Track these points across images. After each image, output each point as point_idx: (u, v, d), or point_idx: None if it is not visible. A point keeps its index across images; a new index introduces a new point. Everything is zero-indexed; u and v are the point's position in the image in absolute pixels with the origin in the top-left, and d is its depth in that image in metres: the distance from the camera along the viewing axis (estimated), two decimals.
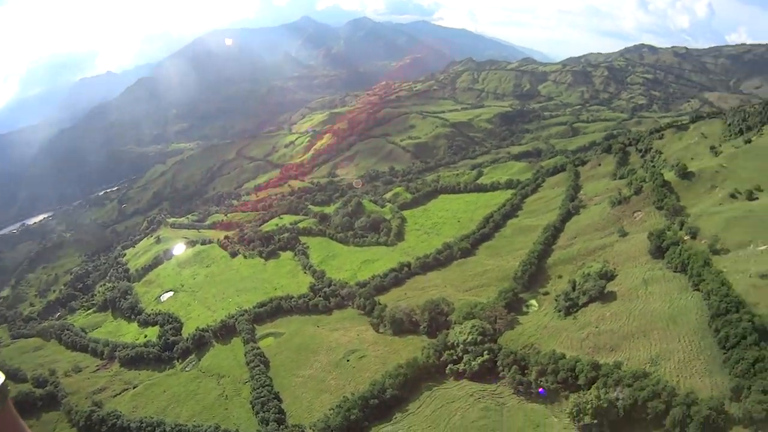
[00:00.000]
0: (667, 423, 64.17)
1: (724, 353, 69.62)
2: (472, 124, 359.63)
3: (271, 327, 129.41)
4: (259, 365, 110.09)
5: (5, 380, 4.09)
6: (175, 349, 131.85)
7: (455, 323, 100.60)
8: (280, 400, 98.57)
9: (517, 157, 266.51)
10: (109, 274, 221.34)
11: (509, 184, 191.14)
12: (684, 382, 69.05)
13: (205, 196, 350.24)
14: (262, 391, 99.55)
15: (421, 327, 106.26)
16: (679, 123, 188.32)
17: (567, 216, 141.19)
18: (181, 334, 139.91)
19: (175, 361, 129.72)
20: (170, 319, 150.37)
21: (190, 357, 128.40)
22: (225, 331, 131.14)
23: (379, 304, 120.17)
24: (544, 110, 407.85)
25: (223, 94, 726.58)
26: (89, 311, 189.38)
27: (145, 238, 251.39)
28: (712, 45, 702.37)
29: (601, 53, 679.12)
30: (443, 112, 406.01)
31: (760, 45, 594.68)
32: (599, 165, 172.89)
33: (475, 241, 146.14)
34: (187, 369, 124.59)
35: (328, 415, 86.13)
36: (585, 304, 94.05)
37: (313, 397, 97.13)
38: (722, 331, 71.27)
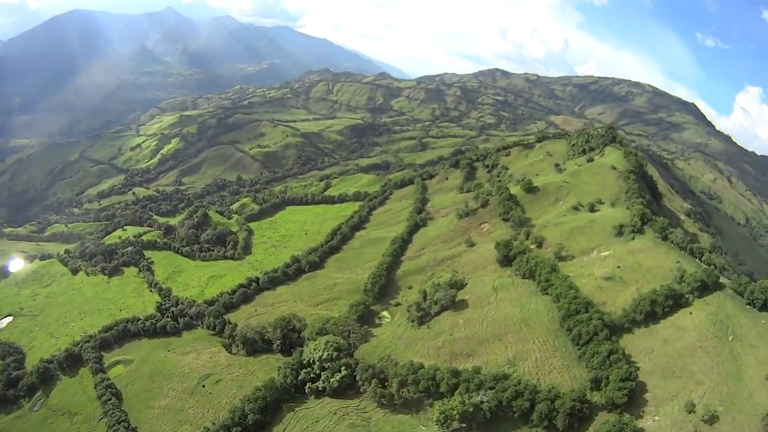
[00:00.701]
0: (535, 418, 71.40)
1: (579, 349, 78.95)
2: (323, 135, 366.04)
3: (119, 353, 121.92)
4: (111, 398, 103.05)
5: None
6: (19, 385, 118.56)
7: (309, 340, 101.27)
8: None
9: (366, 170, 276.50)
10: None
11: (357, 197, 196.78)
12: (544, 378, 76.84)
13: (45, 202, 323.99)
14: (118, 429, 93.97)
15: (275, 345, 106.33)
16: (526, 141, 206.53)
17: (415, 228, 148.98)
18: (24, 367, 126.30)
19: (22, 399, 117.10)
20: (11, 350, 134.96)
21: (37, 394, 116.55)
22: (71, 361, 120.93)
23: (230, 323, 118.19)
24: (395, 124, 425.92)
25: (72, 86, 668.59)
26: None
27: None
28: (563, 75, 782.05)
29: (456, 74, 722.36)
30: (295, 121, 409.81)
31: (606, 78, 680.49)
32: (447, 179, 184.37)
33: (323, 254, 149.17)
34: (35, 408, 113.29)
35: None
36: (437, 313, 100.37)
37: (173, 429, 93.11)
38: (575, 330, 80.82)
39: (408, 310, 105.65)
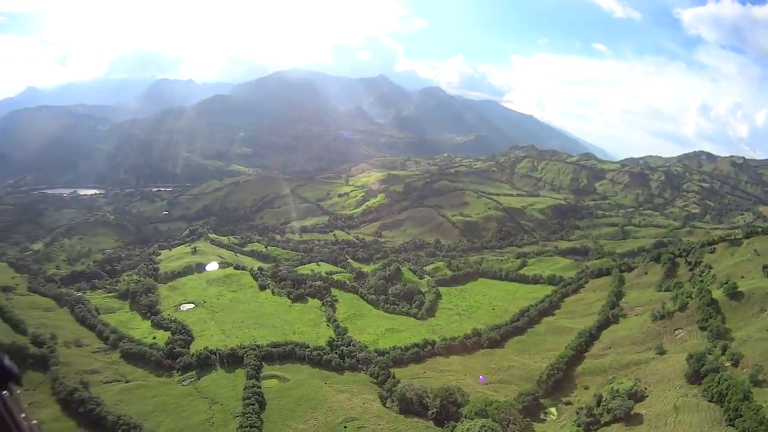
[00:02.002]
0: None
1: None
2: (525, 212, 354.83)
3: (278, 369, 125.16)
4: (254, 404, 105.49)
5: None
6: (178, 360, 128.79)
7: (466, 417, 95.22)
8: None
9: (564, 253, 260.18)
10: (138, 267, 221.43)
11: (551, 280, 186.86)
12: None
13: (251, 222, 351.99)
14: (249, 431, 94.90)
15: (430, 412, 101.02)
16: (732, 237, 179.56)
17: (605, 323, 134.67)
18: (188, 348, 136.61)
19: (175, 371, 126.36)
20: (183, 330, 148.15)
21: (190, 373, 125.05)
22: (232, 360, 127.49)
23: (394, 377, 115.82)
24: (597, 208, 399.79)
25: (291, 131, 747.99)
26: (109, 294, 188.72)
27: (183, 246, 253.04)
28: None
29: (660, 156, 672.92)
30: (498, 194, 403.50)
31: None
32: (645, 273, 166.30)
33: (506, 333, 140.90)
34: (184, 383, 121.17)
35: None
36: (608, 423, 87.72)
37: None
38: None
39: (577, 413, 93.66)
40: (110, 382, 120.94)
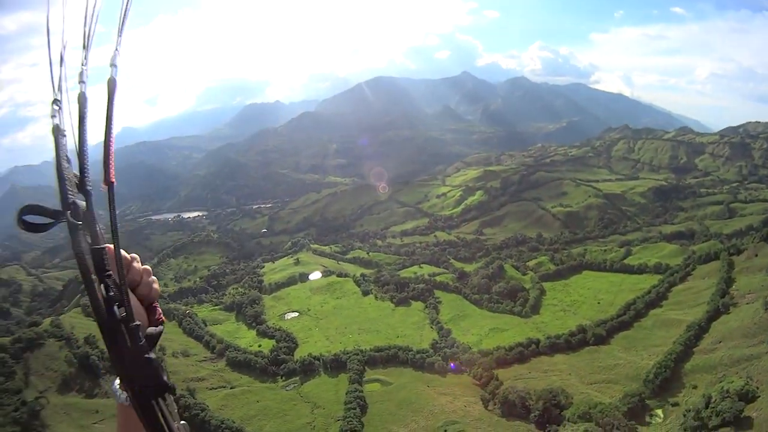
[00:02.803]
0: None
1: None
2: (625, 197, 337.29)
3: (381, 373, 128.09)
4: (356, 408, 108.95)
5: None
6: (282, 366, 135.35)
7: (569, 420, 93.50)
8: None
9: (669, 238, 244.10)
10: (243, 281, 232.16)
11: (657, 268, 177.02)
12: None
13: (352, 230, 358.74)
14: None
15: (532, 415, 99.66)
16: None
17: (715, 314, 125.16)
18: (292, 355, 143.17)
19: (279, 377, 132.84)
20: (287, 338, 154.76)
21: (293, 378, 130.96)
22: (335, 365, 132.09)
23: (497, 379, 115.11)
24: (700, 186, 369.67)
25: (382, 138, 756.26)
26: (215, 307, 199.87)
27: (286, 257, 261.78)
28: None
29: (760, 122, 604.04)
30: (597, 181, 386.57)
31: None
32: (756, 255, 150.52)
33: (611, 328, 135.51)
34: (287, 388, 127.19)
35: None
36: (715, 428, 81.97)
37: None
38: None
39: (684, 415, 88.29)
40: (215, 389, 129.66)
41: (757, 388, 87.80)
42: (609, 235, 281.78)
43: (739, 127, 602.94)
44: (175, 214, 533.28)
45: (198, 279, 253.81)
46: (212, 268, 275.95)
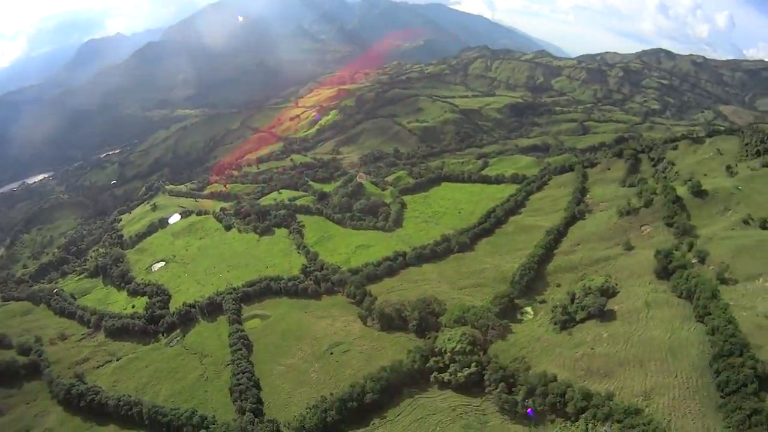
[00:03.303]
0: None
1: (722, 398, 65.88)
2: (482, 113, 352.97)
3: (258, 308, 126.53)
4: (241, 348, 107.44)
5: None
6: (161, 322, 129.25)
7: (445, 326, 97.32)
8: (258, 389, 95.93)
9: (525, 151, 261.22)
10: (103, 239, 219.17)
11: (515, 179, 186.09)
12: (676, 422, 65.18)
13: (207, 164, 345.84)
14: (241, 378, 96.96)
15: (410, 325, 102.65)
16: (695, 135, 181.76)
17: (572, 220, 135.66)
18: (168, 308, 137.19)
19: (160, 335, 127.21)
20: (159, 291, 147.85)
21: (175, 332, 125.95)
22: (212, 309, 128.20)
23: (370, 295, 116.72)
24: (555, 105, 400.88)
25: (232, 64, 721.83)
26: (80, 276, 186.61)
27: (142, 205, 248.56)
28: (731, 58, 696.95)
29: (617, 53, 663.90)
30: (453, 97, 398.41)
31: None
32: (608, 169, 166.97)
33: (474, 235, 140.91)
34: (171, 345, 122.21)
35: (304, 414, 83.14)
36: (582, 321, 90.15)
37: (292, 389, 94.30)
38: (722, 375, 67.37)
39: (552, 311, 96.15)
40: (102, 365, 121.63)
41: (616, 284, 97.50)
42: (466, 148, 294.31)
43: (597, 55, 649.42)
44: (20, 182, 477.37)
45: (56, 250, 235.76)
46: (69, 234, 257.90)
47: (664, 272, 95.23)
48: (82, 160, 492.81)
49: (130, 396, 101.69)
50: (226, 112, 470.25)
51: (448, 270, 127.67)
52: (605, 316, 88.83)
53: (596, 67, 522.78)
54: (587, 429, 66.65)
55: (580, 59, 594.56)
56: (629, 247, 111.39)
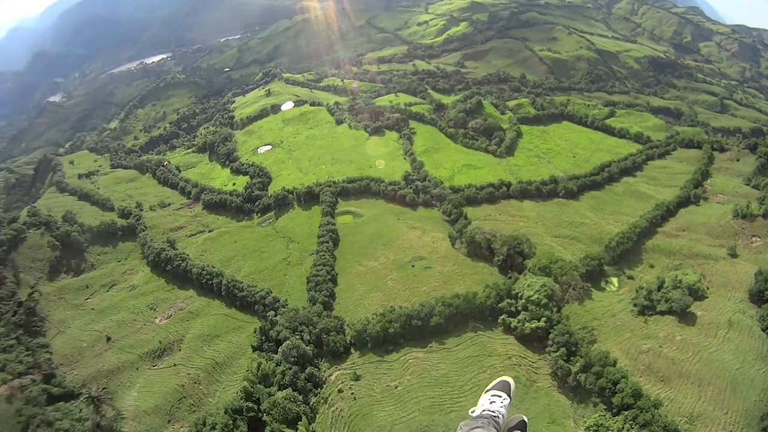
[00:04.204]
0: None
1: None
2: (619, 58, 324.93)
3: (354, 205, 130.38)
4: (328, 241, 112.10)
5: None
6: (257, 203, 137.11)
7: (529, 270, 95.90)
8: (335, 283, 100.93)
9: (655, 111, 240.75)
10: (214, 119, 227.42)
11: (638, 138, 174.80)
12: None
13: (326, 57, 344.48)
14: (321, 270, 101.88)
15: (496, 259, 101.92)
16: None
17: (685, 201, 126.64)
18: (267, 190, 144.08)
19: (255, 214, 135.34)
20: (261, 173, 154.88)
21: (269, 214, 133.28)
22: (309, 197, 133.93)
23: (465, 217, 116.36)
24: (698, 71, 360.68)
25: None
26: (188, 151, 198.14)
27: (257, 90, 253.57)
28: None
29: None
30: (592, 34, 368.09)
31: None
32: (737, 160, 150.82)
33: (583, 185, 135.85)
34: (263, 225, 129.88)
35: (369, 320, 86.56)
36: (661, 313, 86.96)
37: (365, 291, 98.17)
38: None
39: (637, 291, 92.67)
40: (194, 234, 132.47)
41: (708, 288, 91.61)
42: (595, 91, 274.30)
43: (754, 29, 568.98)
44: (138, 62, 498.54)
45: (168, 125, 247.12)
46: (181, 111, 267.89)
47: (758, 296, 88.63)
48: (201, 43, 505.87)
49: (213, 267, 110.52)
50: (351, 9, 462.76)
51: (548, 213, 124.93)
52: (686, 317, 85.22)
53: (751, 42, 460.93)
54: (623, 428, 66.30)
55: (735, 28, 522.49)
56: (734, 254, 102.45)
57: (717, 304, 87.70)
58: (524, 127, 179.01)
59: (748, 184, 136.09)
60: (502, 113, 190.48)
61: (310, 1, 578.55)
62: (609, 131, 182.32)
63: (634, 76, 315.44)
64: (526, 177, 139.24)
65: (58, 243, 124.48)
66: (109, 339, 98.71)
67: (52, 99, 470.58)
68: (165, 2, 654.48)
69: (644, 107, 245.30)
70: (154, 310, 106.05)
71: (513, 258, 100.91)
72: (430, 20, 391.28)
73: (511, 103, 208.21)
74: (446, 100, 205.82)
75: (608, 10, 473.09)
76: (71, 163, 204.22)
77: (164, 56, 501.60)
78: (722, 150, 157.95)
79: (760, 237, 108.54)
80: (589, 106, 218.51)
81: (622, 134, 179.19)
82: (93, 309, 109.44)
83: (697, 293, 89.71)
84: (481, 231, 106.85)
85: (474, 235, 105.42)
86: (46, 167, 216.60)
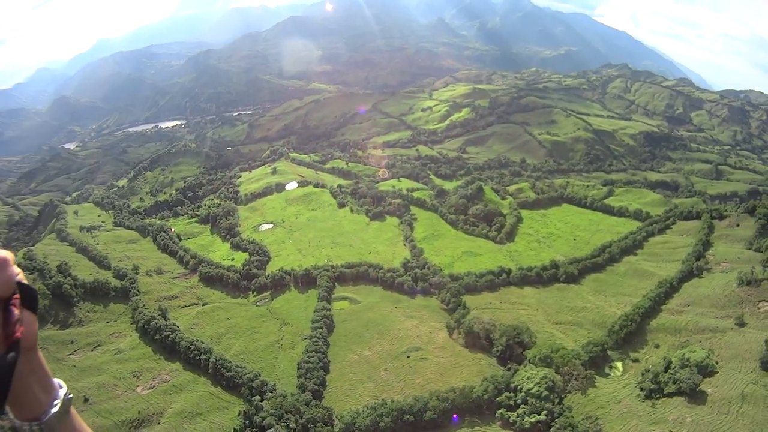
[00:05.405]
0: None
1: None
2: (615, 136, 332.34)
3: (351, 291, 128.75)
4: (323, 327, 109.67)
5: (68, 391, 4.65)
6: (254, 281, 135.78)
7: (529, 361, 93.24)
8: (326, 371, 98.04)
9: (653, 186, 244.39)
10: (219, 191, 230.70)
11: (637, 215, 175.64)
12: None
13: (333, 139, 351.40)
14: (313, 356, 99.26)
15: (495, 349, 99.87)
16: None
17: (688, 275, 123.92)
18: (265, 269, 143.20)
19: (251, 292, 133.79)
20: (260, 251, 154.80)
21: (264, 293, 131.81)
22: (306, 280, 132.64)
23: (464, 306, 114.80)
24: (691, 141, 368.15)
25: (370, 46, 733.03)
26: (191, 220, 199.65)
27: (263, 167, 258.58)
28: None
29: (763, 93, 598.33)
30: (588, 115, 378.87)
31: None
32: (737, 225, 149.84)
33: (584, 268, 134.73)
34: (258, 304, 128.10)
35: (359, 412, 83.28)
36: (670, 395, 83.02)
37: (358, 381, 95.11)
38: None
39: (643, 374, 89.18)
40: (188, 306, 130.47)
41: (717, 363, 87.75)
42: (593, 171, 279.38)
43: (741, 92, 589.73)
44: (153, 125, 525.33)
45: (174, 191, 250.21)
46: (189, 179, 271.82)
47: None
48: (215, 115, 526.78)
49: (203, 342, 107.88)
50: (360, 93, 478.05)
51: (548, 299, 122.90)
52: (695, 397, 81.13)
53: (739, 105, 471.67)
54: None
55: (723, 94, 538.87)
56: (741, 323, 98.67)
57: (728, 378, 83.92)
58: (524, 212, 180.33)
59: (750, 248, 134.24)
60: (503, 198, 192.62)
61: (321, 83, 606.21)
62: (608, 211, 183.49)
63: (630, 152, 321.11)
64: (526, 262, 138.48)
65: (48, 292, 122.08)
66: (86, 400, 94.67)
67: (67, 146, 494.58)
68: (185, 71, 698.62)
69: (642, 183, 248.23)
70: (138, 378, 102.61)
71: (512, 348, 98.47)
72: (434, 106, 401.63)
73: (512, 188, 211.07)
74: (448, 185, 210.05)
75: (603, 90, 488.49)
76: (75, 213, 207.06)
77: (179, 122, 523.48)
78: (721, 217, 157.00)
79: (767, 301, 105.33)
80: (587, 186, 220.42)
81: (621, 213, 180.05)
82: (75, 366, 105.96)
83: (706, 370, 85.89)
84: (480, 321, 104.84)
85: (472, 325, 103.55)
86: (50, 212, 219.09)
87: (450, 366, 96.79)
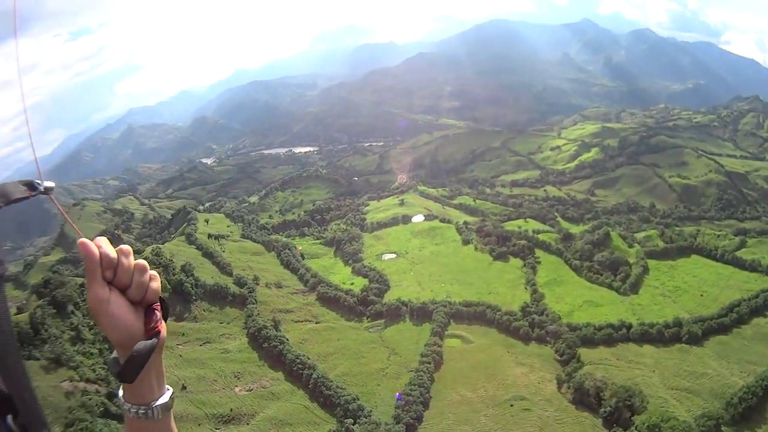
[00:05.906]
0: None
1: None
2: (749, 179, 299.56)
3: (465, 329, 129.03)
4: (430, 363, 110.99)
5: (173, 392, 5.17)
6: (370, 307, 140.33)
7: (636, 429, 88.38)
8: (425, 407, 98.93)
9: None
10: (346, 217, 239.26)
11: None
12: None
13: (461, 175, 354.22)
14: (415, 390, 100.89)
15: (602, 410, 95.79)
16: None
17: None
18: (382, 297, 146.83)
19: (365, 318, 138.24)
20: (380, 279, 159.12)
21: (378, 321, 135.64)
22: (421, 313, 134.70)
23: (578, 360, 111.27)
24: None
25: (498, 83, 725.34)
26: (316, 241, 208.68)
27: (391, 197, 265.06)
28: None
29: None
30: (720, 155, 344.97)
31: None
32: None
33: (709, 328, 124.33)
34: (370, 330, 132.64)
35: None
36: None
37: (454, 422, 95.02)
38: None
39: None
40: (301, 321, 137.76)
41: None
42: (725, 218, 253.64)
43: None
44: (287, 149, 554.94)
45: (302, 212, 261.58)
46: (317, 203, 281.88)
47: None
48: (346, 144, 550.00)
49: (309, 358, 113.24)
50: (489, 130, 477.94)
51: (667, 360, 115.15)
52: None
53: None
54: None
55: None
56: None
57: None
58: (651, 262, 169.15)
59: None
60: (630, 246, 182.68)
61: (450, 119, 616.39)
62: (740, 264, 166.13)
63: (765, 197, 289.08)
64: (648, 318, 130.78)
65: (169, 287, 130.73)
66: (184, 388, 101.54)
67: (204, 160, 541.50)
68: (319, 101, 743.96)
69: None
70: (238, 378, 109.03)
71: (621, 411, 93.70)
72: (563, 145, 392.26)
73: (639, 235, 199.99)
74: (574, 229, 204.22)
75: (734, 127, 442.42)
76: (206, 221, 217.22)
77: (311, 149, 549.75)
78: None
79: None
80: (719, 236, 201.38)
81: (753, 267, 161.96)
82: (181, 356, 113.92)
83: None
84: (592, 377, 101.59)
85: (583, 381, 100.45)
86: (182, 217, 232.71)
87: (552, 421, 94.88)
